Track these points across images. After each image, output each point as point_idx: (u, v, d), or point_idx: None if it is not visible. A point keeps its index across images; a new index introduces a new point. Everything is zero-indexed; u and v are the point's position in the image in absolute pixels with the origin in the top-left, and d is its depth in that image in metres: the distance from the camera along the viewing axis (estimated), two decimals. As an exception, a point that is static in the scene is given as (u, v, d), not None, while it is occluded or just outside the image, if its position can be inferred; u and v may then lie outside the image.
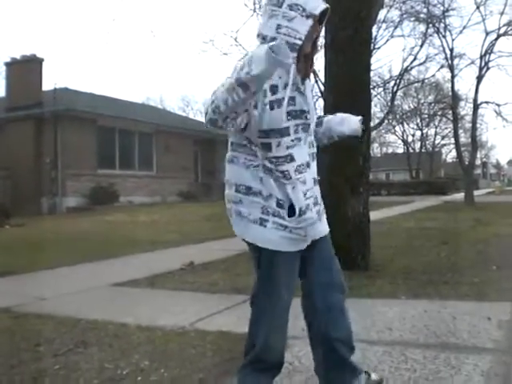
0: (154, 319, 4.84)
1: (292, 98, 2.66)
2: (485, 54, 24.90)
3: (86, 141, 23.70)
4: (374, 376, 3.07)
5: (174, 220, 16.24)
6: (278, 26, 2.63)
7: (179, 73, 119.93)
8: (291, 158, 2.67)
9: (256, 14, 16.94)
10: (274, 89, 2.60)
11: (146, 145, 28.19)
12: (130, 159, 27.11)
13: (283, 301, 2.78)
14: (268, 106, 2.59)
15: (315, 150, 2.85)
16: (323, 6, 2.66)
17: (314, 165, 2.79)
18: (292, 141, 2.68)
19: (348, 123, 3.05)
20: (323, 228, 2.84)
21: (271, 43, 2.23)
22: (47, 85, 45.58)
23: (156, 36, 66.39)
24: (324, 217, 2.87)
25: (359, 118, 3.07)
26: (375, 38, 23.74)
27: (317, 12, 2.63)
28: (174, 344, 4.12)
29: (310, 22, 2.63)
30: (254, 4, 17.26)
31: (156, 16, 50.70)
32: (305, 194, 2.69)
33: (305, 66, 2.76)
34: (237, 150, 2.74)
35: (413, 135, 57.97)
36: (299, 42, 2.63)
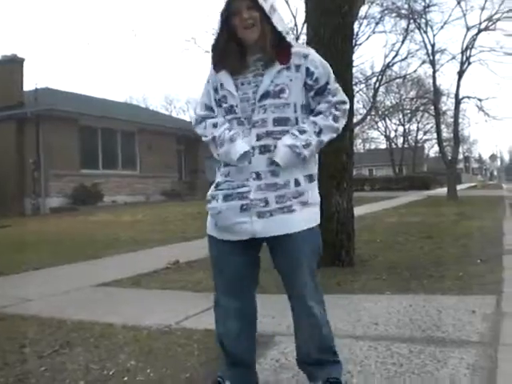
0: (140, 319, 4.81)
1: (224, 97, 2.82)
2: (466, 49, 25.09)
3: (69, 141, 23.58)
4: None
5: (159, 219, 16.20)
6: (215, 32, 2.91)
7: (162, 71, 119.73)
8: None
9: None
10: (216, 90, 2.89)
11: (129, 144, 28.10)
12: (113, 159, 27.01)
13: (220, 287, 2.94)
14: (216, 107, 2.90)
15: (274, 142, 2.72)
16: None
17: (259, 158, 2.72)
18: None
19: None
20: (263, 227, 2.72)
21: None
22: (28, 85, 45.26)
23: (137, 35, 66.28)
24: (276, 217, 2.72)
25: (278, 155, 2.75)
26: (357, 34, 23.86)
27: (225, 5, 2.73)
28: (160, 343, 4.10)
29: (220, 18, 2.77)
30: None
31: (138, 15, 50.52)
32: (218, 185, 2.84)
33: (236, 60, 2.79)
34: None
35: (395, 131, 58.26)
36: (214, 42, 2.82)
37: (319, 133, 2.77)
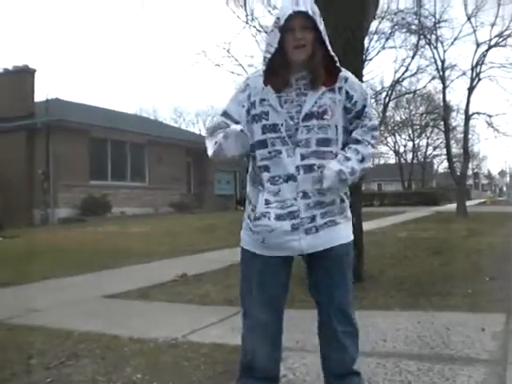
0: (147, 331, 4.80)
1: (265, 113, 2.77)
2: (476, 65, 25.03)
3: (78, 152, 23.64)
4: None
5: (167, 231, 16.20)
6: (266, 44, 2.82)
7: (172, 84, 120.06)
8: (266, 169, 2.78)
9: (248, 26, 16.98)
10: (253, 104, 2.80)
11: (139, 156, 28.17)
12: (122, 170, 27.07)
13: (258, 302, 2.85)
14: (251, 120, 2.82)
15: (318, 162, 2.74)
16: (289, 12, 2.66)
17: (305, 177, 2.73)
18: (269, 153, 2.77)
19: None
20: (310, 243, 2.75)
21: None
22: (39, 95, 45.51)
23: (149, 47, 66.56)
24: (321, 232, 2.76)
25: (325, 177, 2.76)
26: (367, 50, 23.87)
27: (281, 22, 2.68)
28: (167, 356, 4.09)
29: (278, 32, 2.71)
30: (246, 16, 17.35)
31: (149, 27, 50.88)
32: (268, 203, 2.76)
33: (280, 78, 2.76)
34: None
35: (405, 146, 58.24)
36: (268, 56, 2.75)
37: (361, 161, 2.83)
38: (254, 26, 17.37)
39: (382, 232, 15.02)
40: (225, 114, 2.88)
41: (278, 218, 2.73)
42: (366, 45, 19.68)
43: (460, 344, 4.15)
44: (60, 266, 9.00)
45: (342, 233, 2.86)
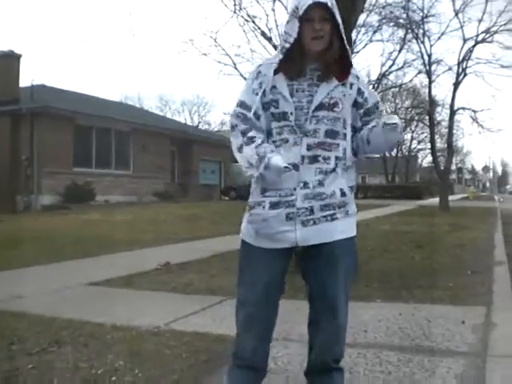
0: (130, 319, 4.80)
1: (275, 101, 2.75)
2: (462, 61, 25.12)
3: (63, 139, 23.49)
4: None
5: (151, 220, 16.18)
6: (284, 33, 2.79)
7: (158, 72, 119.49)
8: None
9: (236, 16, 16.88)
10: (264, 93, 2.78)
11: (123, 144, 28.05)
12: (106, 158, 26.96)
13: (251, 295, 2.81)
14: (262, 109, 2.80)
15: (323, 153, 2.74)
16: (308, 2, 2.64)
17: (308, 168, 2.72)
18: (274, 142, 2.74)
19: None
20: (306, 236, 2.72)
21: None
22: (24, 81, 45.13)
23: (135, 35, 65.94)
24: (320, 226, 2.73)
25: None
26: (354, 42, 23.81)
27: (301, 12, 2.66)
28: (149, 344, 4.10)
29: (297, 22, 2.68)
30: (234, 5, 17.22)
31: (135, 14, 50.47)
32: (264, 191, 2.74)
33: (296, 65, 2.75)
34: None
35: (390, 139, 58.31)
36: (287, 45, 2.72)
37: None
38: (242, 16, 17.23)
39: (366, 224, 15.08)
40: (242, 104, 2.84)
41: (273, 206, 2.71)
42: (353, 37, 19.67)
43: (440, 336, 4.20)
44: (43, 253, 8.96)
45: (341, 228, 2.79)
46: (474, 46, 24.99)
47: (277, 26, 17.66)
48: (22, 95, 24.62)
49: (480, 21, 24.24)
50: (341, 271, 2.82)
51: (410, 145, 59.91)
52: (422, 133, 53.78)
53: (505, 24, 24.09)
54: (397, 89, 35.91)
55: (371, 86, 29.15)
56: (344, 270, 2.84)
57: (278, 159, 2.65)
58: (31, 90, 23.95)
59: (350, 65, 2.83)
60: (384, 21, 24.19)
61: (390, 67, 27.25)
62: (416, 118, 40.70)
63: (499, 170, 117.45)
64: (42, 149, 22.80)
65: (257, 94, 2.81)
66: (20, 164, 22.86)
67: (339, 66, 2.79)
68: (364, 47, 25.99)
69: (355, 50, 24.72)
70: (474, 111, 28.06)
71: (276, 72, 2.76)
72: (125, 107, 39.95)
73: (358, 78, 2.89)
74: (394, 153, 58.01)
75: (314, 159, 2.72)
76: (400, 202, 31.46)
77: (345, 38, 2.77)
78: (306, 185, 2.71)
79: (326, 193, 2.74)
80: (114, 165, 27.47)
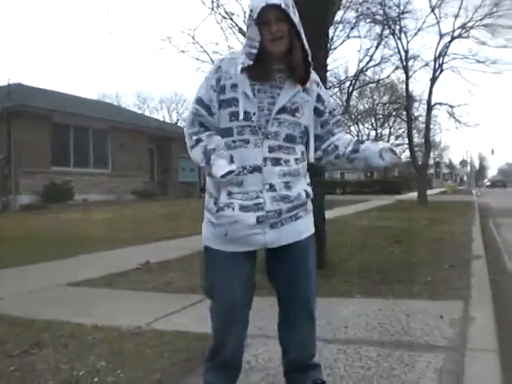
0: (110, 319, 4.80)
1: (236, 100, 2.72)
2: (439, 56, 25.34)
3: (40, 137, 23.32)
4: None
5: (130, 219, 16.12)
6: (247, 38, 2.76)
7: (135, 69, 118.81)
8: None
9: (214, 13, 16.85)
10: (223, 89, 2.75)
11: (101, 142, 27.91)
12: (84, 157, 26.81)
13: (223, 298, 2.83)
14: (218, 106, 2.78)
15: (284, 156, 2.75)
16: (261, 5, 2.63)
17: (272, 170, 2.71)
18: (234, 142, 2.73)
19: (386, 155, 2.81)
20: (274, 238, 2.74)
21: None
22: (1, 80, 44.69)
23: (113, 33, 65.47)
24: (286, 226, 2.75)
25: (394, 148, 2.85)
26: (332, 39, 23.88)
27: (255, 14, 2.66)
28: (131, 344, 4.09)
29: (255, 27, 2.69)
30: (212, 2, 17.18)
31: (113, 12, 50.24)
32: (231, 193, 2.72)
33: (260, 70, 2.73)
34: None
35: (368, 135, 58.56)
36: (254, 51, 2.71)
37: None
38: (220, 13, 17.23)
39: (344, 220, 15.17)
40: (199, 101, 2.83)
41: (242, 209, 2.69)
42: (330, 34, 19.73)
43: (419, 331, 4.25)
44: (21, 254, 8.90)
45: (305, 227, 2.85)
46: (450, 42, 25.24)
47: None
48: (-1, 94, 24.40)
49: (456, 16, 24.49)
50: (310, 270, 2.88)
51: (388, 140, 60.03)
52: (400, 128, 54.01)
53: (481, 19, 24.36)
54: (374, 84, 36.04)
55: (348, 83, 29.37)
56: (311, 268, 2.89)
57: (218, 166, 2.64)
58: (8, 89, 23.75)
59: (310, 67, 2.83)
60: (361, 17, 24.28)
61: (368, 63, 27.30)
62: (393, 113, 40.81)
63: (477, 164, 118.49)
64: (19, 148, 22.60)
65: (214, 90, 2.80)
66: (-3, 164, 22.65)
67: (303, 67, 2.79)
68: (341, 43, 26.09)
69: (332, 47, 24.83)
70: (451, 106, 28.33)
71: (241, 71, 2.74)
72: (102, 105, 39.74)
73: (318, 84, 2.91)
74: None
75: (276, 162, 2.73)
76: (378, 197, 31.66)
77: (304, 37, 2.77)
78: (272, 187, 2.71)
79: (292, 195, 2.75)
80: (92, 163, 27.33)
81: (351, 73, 30.24)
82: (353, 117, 44.80)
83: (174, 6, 66.15)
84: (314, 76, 2.89)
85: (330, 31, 10.89)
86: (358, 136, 56.96)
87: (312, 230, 2.92)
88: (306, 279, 2.86)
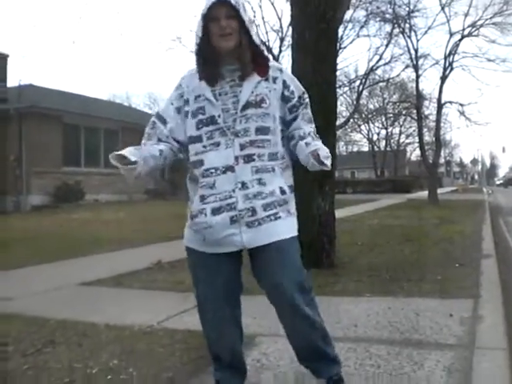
0: (123, 318, 4.85)
1: (201, 108, 2.80)
2: (449, 55, 25.31)
3: (51, 138, 23.43)
4: None
5: (141, 218, 16.19)
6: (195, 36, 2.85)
7: (146, 70, 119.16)
8: (200, 163, 2.80)
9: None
10: (187, 102, 2.85)
11: (112, 142, 27.93)
12: (95, 157, 26.86)
13: (208, 298, 2.89)
14: (184, 117, 2.87)
15: (257, 151, 2.76)
16: (212, 1, 2.70)
17: (244, 167, 2.74)
18: (204, 147, 2.78)
19: (309, 160, 2.76)
20: (252, 237, 2.74)
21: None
22: (12, 81, 44.90)
23: (123, 34, 65.58)
24: (264, 226, 2.74)
25: (327, 156, 2.71)
26: (341, 38, 23.97)
27: (205, 10, 2.72)
28: (143, 343, 4.14)
29: (201, 22, 2.76)
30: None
31: (123, 13, 50.38)
32: (203, 198, 2.77)
33: (212, 68, 2.80)
34: None
35: (378, 134, 58.60)
36: (196, 47, 2.82)
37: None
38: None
39: (355, 219, 15.18)
40: (157, 114, 2.97)
41: (214, 212, 2.72)
42: (340, 33, 19.73)
43: (429, 329, 4.27)
44: (34, 254, 8.98)
45: (285, 228, 2.81)
46: (460, 40, 25.21)
47: (264, 22, 17.74)
48: (10, 95, 24.50)
49: (466, 15, 24.49)
50: (289, 263, 2.82)
51: (399, 139, 60.17)
52: (410, 127, 53.94)
53: (490, 18, 24.35)
54: (384, 83, 36.04)
55: (358, 82, 29.37)
56: (292, 263, 2.83)
57: (124, 152, 2.69)
58: (19, 90, 23.84)
59: (267, 59, 2.88)
60: (370, 16, 24.36)
61: (378, 62, 27.41)
62: (404, 112, 40.74)
63: (488, 162, 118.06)
64: (30, 149, 22.70)
65: (172, 104, 2.91)
66: (8, 164, 22.74)
67: (256, 63, 2.83)
68: (351, 42, 26.21)
69: (342, 46, 24.90)
70: (462, 105, 28.27)
71: (199, 78, 2.82)
72: (113, 105, 39.83)
73: (281, 71, 2.92)
74: (382, 147, 58.46)
75: (248, 158, 2.75)
76: (389, 196, 31.60)
77: (254, 34, 2.82)
78: (244, 185, 2.73)
79: (265, 191, 2.75)
80: (103, 163, 27.38)
81: (361, 72, 30.28)
82: (363, 115, 44.78)
83: (184, 6, 66.26)
84: (275, 64, 2.94)
85: (340, 30, 10.92)
86: (368, 135, 56.97)
87: (295, 232, 2.87)
88: (289, 279, 2.79)
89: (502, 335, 4.12)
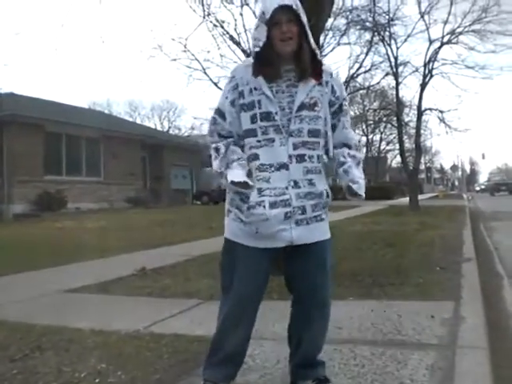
0: (109, 324, 4.87)
1: (258, 102, 2.85)
2: (428, 62, 25.56)
3: (33, 147, 23.39)
4: None
5: (124, 226, 16.18)
6: (253, 39, 2.91)
7: (127, 77, 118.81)
8: (254, 157, 2.85)
9: (205, 21, 16.99)
10: (241, 94, 2.89)
11: (94, 150, 27.97)
12: (77, 165, 26.85)
13: (238, 292, 2.93)
14: (239, 110, 2.91)
15: (308, 152, 2.88)
16: (274, 6, 2.76)
17: (297, 167, 2.84)
18: (258, 141, 2.85)
19: (347, 191, 2.97)
20: (300, 235, 2.86)
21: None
22: (-9, 90, 44.53)
23: (105, 41, 65.44)
24: (311, 225, 2.88)
25: (355, 188, 2.93)
26: (322, 46, 24.05)
27: (267, 16, 2.78)
28: (130, 347, 4.17)
29: (264, 26, 2.81)
30: (204, 11, 17.31)
31: (105, 21, 50.29)
32: (261, 191, 2.82)
33: (272, 68, 2.85)
34: None
35: (359, 141, 58.82)
36: (257, 49, 2.84)
37: (358, 164, 3.05)
38: (211, 21, 17.37)
39: (336, 225, 15.24)
40: (217, 111, 3.01)
41: (272, 206, 2.80)
42: (321, 41, 19.84)
43: (411, 330, 4.35)
44: (17, 262, 8.95)
45: (326, 229, 2.99)
46: (439, 48, 25.47)
47: (245, 30, 17.85)
48: (-10, 104, 24.40)
49: (445, 22, 24.77)
50: (328, 272, 3.00)
51: (379, 146, 60.56)
52: (391, 134, 54.40)
53: (469, 25, 24.63)
54: (365, 91, 36.28)
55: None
56: (329, 270, 3.02)
57: (235, 173, 2.79)
58: (0, 99, 23.75)
59: (320, 64, 2.95)
60: (351, 24, 24.49)
61: (358, 70, 27.53)
62: (384, 119, 40.99)
63: (468, 168, 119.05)
64: (11, 157, 22.66)
65: (226, 97, 2.95)
66: (-11, 173, 22.66)
67: (312, 65, 2.90)
68: (332, 50, 26.27)
69: (323, 54, 25.00)
70: (441, 111, 28.45)
71: (255, 75, 2.87)
72: (94, 114, 39.80)
73: (331, 75, 3.01)
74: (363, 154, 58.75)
75: (301, 158, 2.85)
76: (370, 203, 31.74)
77: (311, 37, 2.89)
78: (296, 184, 2.83)
79: (315, 192, 2.88)
80: (84, 172, 27.38)
81: (342, 79, 30.37)
82: (344, 123, 44.90)
83: (166, 14, 66.25)
84: (327, 68, 3.02)
85: (321, 38, 11.02)
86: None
87: (329, 234, 3.03)
88: (324, 279, 2.99)
89: (482, 335, 4.21)
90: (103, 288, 6.69)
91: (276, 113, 2.83)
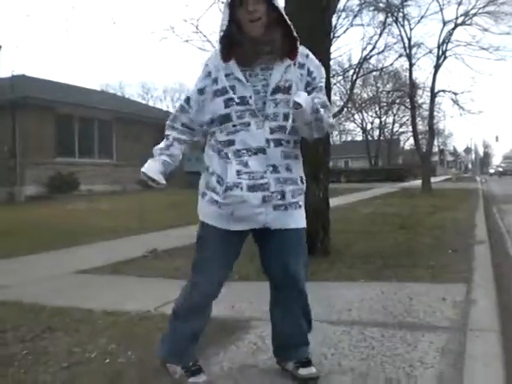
0: (119, 305, 4.89)
1: (231, 87, 2.80)
2: (442, 44, 25.34)
3: (45, 129, 23.40)
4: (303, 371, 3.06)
5: (135, 208, 16.19)
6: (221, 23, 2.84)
7: (139, 59, 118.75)
8: (230, 143, 2.81)
9: (217, 1, 16.88)
10: (215, 81, 2.85)
11: (106, 132, 27.93)
12: (89, 147, 26.84)
13: (210, 273, 2.98)
14: (212, 96, 2.87)
15: (285, 137, 2.83)
16: None
17: (275, 151, 2.80)
18: (234, 126, 2.81)
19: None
20: (275, 219, 2.85)
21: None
22: (4, 72, 44.67)
23: (116, 23, 65.18)
24: (289, 211, 2.87)
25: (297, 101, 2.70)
26: (335, 27, 23.89)
27: None
28: (140, 328, 4.18)
29: (227, 9, 2.77)
30: (215, -9, 17.18)
31: (116, 2, 50.19)
32: (239, 173, 2.77)
33: (244, 52, 2.80)
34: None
35: (371, 123, 58.63)
36: (222, 34, 2.80)
37: (325, 107, 2.85)
38: (223, 2, 17.29)
39: (349, 207, 15.23)
40: (187, 99, 3.03)
41: (250, 188, 2.76)
42: (333, 22, 19.71)
43: (422, 313, 4.33)
44: (29, 243, 9.00)
45: (302, 217, 2.98)
46: (453, 29, 25.22)
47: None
48: (3, 86, 24.40)
49: (459, 3, 24.48)
50: (300, 254, 2.99)
51: (392, 128, 60.26)
52: (404, 116, 54.04)
53: (483, 6, 24.34)
54: (378, 72, 36.02)
55: (352, 71, 29.34)
56: (302, 253, 3.02)
57: (151, 166, 2.97)
58: (11, 81, 23.76)
59: (296, 40, 2.87)
60: (364, 5, 24.32)
61: (371, 51, 27.37)
62: (397, 101, 40.71)
63: (481, 151, 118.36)
64: (24, 139, 22.68)
65: (196, 85, 2.96)
66: (2, 155, 22.72)
67: (287, 42, 2.84)
68: (345, 32, 26.15)
69: (336, 35, 24.84)
70: (455, 93, 28.27)
71: (226, 60, 2.82)
72: (106, 96, 39.69)
73: (307, 56, 2.94)
74: (376, 136, 58.52)
75: (278, 142, 2.81)
76: (383, 185, 31.69)
77: (284, 13, 2.80)
78: (275, 168, 2.80)
79: (292, 178, 2.88)
80: (97, 154, 27.38)
81: (355, 61, 30.21)
82: (356, 105, 44.74)
83: (177, -5, 65.95)
84: (302, 49, 2.94)
85: (333, 19, 10.94)
86: (362, 125, 56.98)
87: (305, 223, 3.02)
88: (297, 266, 2.96)
89: (494, 318, 4.19)
90: (115, 269, 6.73)
91: (250, 97, 2.78)
